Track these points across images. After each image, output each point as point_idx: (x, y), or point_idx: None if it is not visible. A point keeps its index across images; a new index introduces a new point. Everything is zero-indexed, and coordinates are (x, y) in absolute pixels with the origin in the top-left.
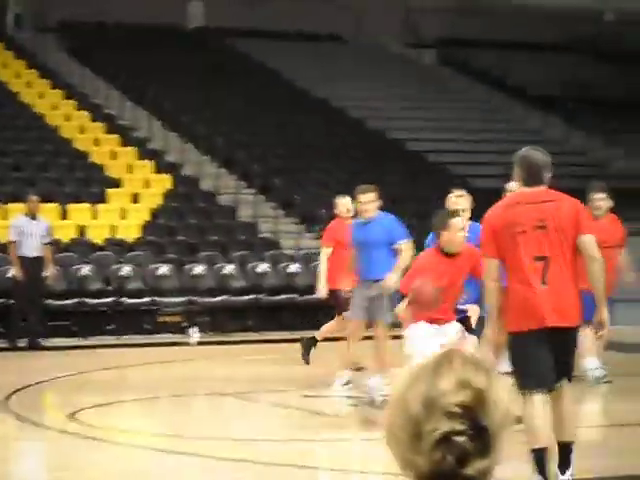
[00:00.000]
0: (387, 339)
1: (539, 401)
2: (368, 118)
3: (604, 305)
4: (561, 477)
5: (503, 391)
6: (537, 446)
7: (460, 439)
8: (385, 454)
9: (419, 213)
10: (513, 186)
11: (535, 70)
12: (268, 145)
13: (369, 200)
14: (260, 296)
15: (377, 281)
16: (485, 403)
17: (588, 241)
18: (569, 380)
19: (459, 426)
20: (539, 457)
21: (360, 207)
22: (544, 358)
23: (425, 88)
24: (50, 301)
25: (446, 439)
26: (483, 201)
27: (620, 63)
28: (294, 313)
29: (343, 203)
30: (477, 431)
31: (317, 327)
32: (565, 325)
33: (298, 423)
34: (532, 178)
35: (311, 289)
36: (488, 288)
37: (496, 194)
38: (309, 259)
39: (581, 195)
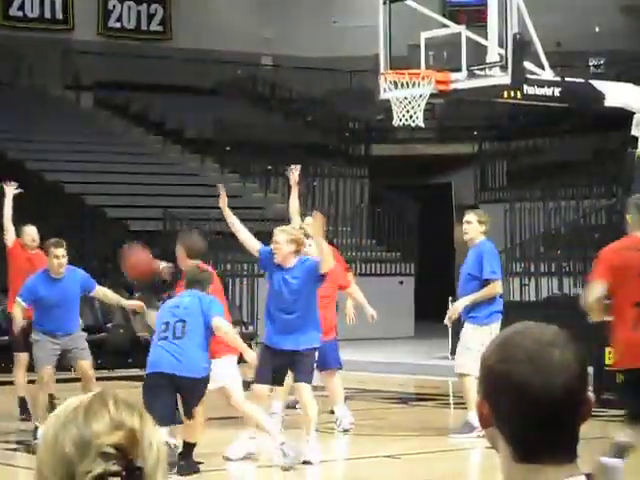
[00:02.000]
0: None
1: None
2: (28, 160)
3: None
4: None
5: (156, 432)
6: None
7: None
8: None
9: (81, 255)
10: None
11: (191, 113)
12: None
13: (64, 254)
14: None
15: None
16: (139, 444)
17: None
18: None
19: (113, 467)
20: None
21: (56, 262)
22: None
23: (84, 131)
24: None
25: None
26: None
27: (276, 106)
28: None
29: (28, 232)
30: (131, 472)
31: None
32: None
33: None
34: None
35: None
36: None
37: (152, 236)
38: None
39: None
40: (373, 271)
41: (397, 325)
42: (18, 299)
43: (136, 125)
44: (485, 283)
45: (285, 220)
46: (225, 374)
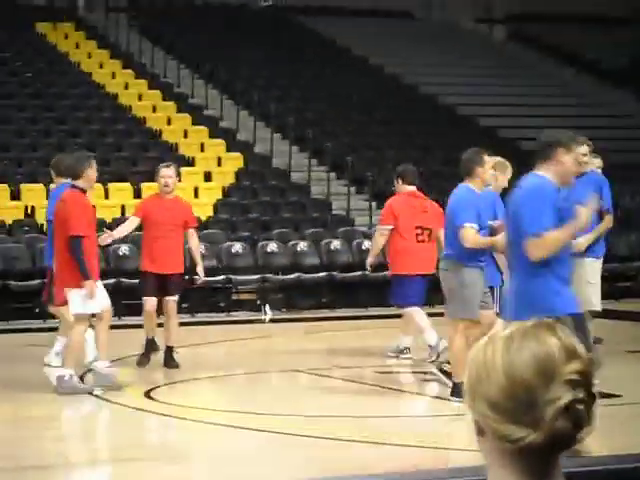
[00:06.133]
0: None
1: None
2: (440, 94)
3: None
4: None
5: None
6: None
7: (580, 407)
8: (464, 428)
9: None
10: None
11: (607, 44)
12: (340, 123)
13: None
14: (333, 273)
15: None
16: (592, 371)
17: None
18: None
19: (580, 394)
20: None
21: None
22: None
23: (496, 64)
24: (125, 279)
25: (569, 408)
26: None
27: None
28: (367, 290)
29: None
30: (589, 399)
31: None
32: None
33: (372, 399)
34: None
35: (383, 266)
36: None
37: None
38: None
39: None
40: None
41: None
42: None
43: (549, 57)
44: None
45: None
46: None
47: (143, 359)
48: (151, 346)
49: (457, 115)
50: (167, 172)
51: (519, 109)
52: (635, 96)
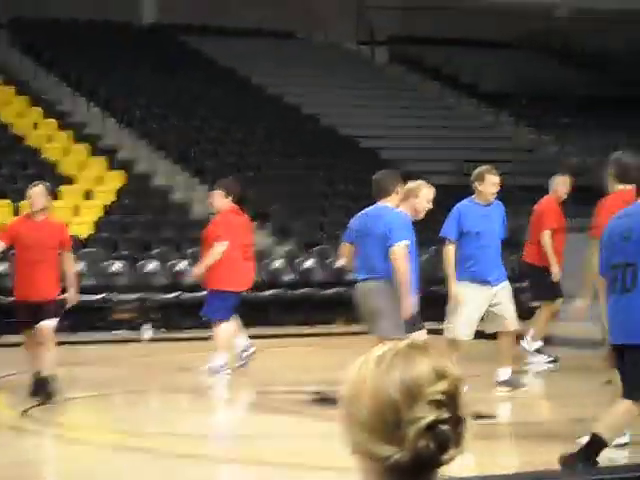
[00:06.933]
0: None
1: None
2: (321, 115)
3: None
4: None
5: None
6: None
7: (444, 427)
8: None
9: None
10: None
11: (486, 67)
12: (221, 142)
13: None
14: None
15: None
16: (460, 392)
17: None
18: None
19: (444, 415)
20: None
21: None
22: None
23: (378, 85)
24: (2, 297)
25: (431, 428)
26: (434, 197)
27: (571, 60)
28: (248, 309)
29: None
30: (456, 420)
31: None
32: None
33: (250, 418)
34: None
35: (264, 285)
36: None
37: (446, 190)
38: (262, 255)
39: (531, 191)
40: None
41: None
42: None
43: (431, 79)
44: None
45: (577, 174)
46: None
47: (43, 395)
48: (42, 387)
49: (338, 136)
50: (34, 191)
51: (401, 130)
52: (513, 118)
